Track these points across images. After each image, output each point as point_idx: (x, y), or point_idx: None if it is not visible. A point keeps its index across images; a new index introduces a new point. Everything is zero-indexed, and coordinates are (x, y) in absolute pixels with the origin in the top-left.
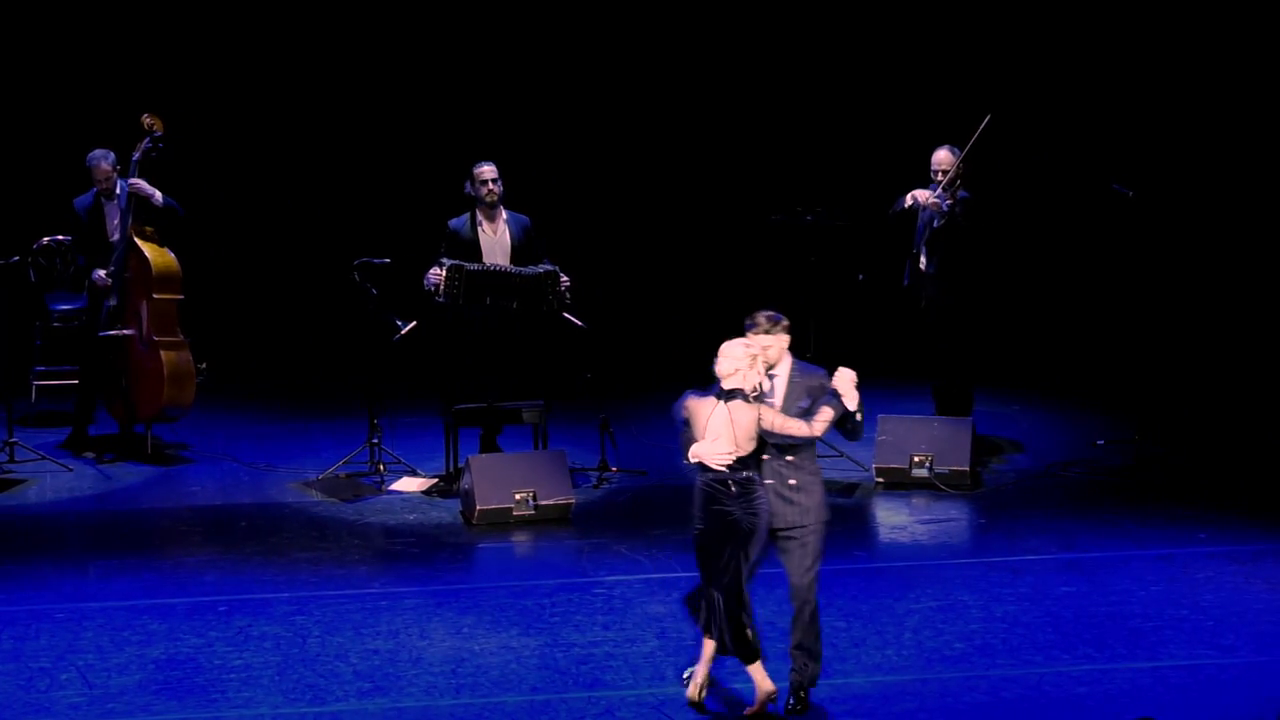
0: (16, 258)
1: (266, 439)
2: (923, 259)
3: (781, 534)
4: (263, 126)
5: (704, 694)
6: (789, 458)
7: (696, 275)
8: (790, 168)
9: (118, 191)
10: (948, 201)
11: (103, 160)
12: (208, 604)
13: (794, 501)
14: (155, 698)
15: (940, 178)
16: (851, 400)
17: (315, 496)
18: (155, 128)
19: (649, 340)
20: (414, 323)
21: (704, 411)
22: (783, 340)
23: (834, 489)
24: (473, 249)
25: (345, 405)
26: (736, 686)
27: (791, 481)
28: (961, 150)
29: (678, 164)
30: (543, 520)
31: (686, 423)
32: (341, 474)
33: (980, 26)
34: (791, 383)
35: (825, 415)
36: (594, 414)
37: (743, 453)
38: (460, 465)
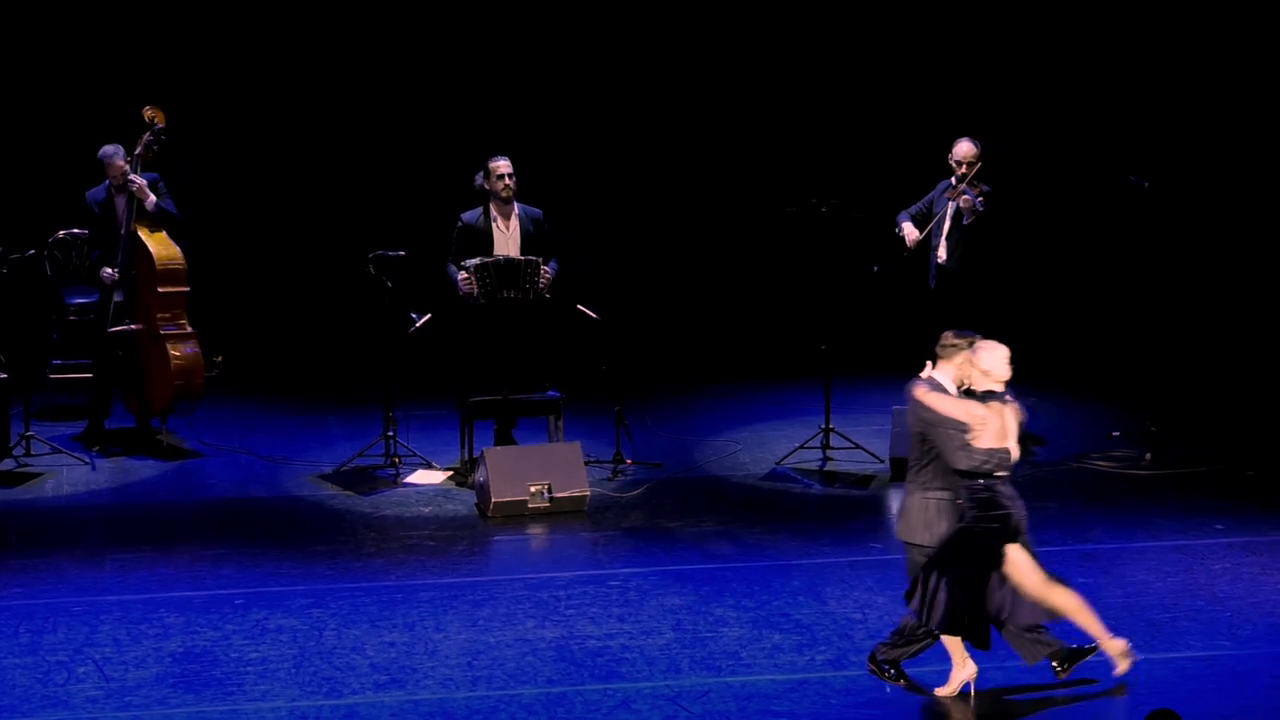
0: (33, 251)
1: (282, 432)
2: (941, 251)
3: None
4: (278, 119)
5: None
6: None
7: (711, 267)
8: (805, 159)
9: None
10: (980, 200)
11: (115, 156)
12: (224, 597)
13: None
14: (172, 691)
15: (965, 170)
16: None
17: (331, 490)
18: (157, 120)
19: (664, 332)
20: (429, 315)
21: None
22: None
23: (849, 481)
24: (485, 242)
25: (361, 398)
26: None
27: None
28: (981, 146)
29: (692, 156)
30: (558, 513)
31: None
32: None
33: (995, 16)
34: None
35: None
36: (609, 406)
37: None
38: (475, 458)
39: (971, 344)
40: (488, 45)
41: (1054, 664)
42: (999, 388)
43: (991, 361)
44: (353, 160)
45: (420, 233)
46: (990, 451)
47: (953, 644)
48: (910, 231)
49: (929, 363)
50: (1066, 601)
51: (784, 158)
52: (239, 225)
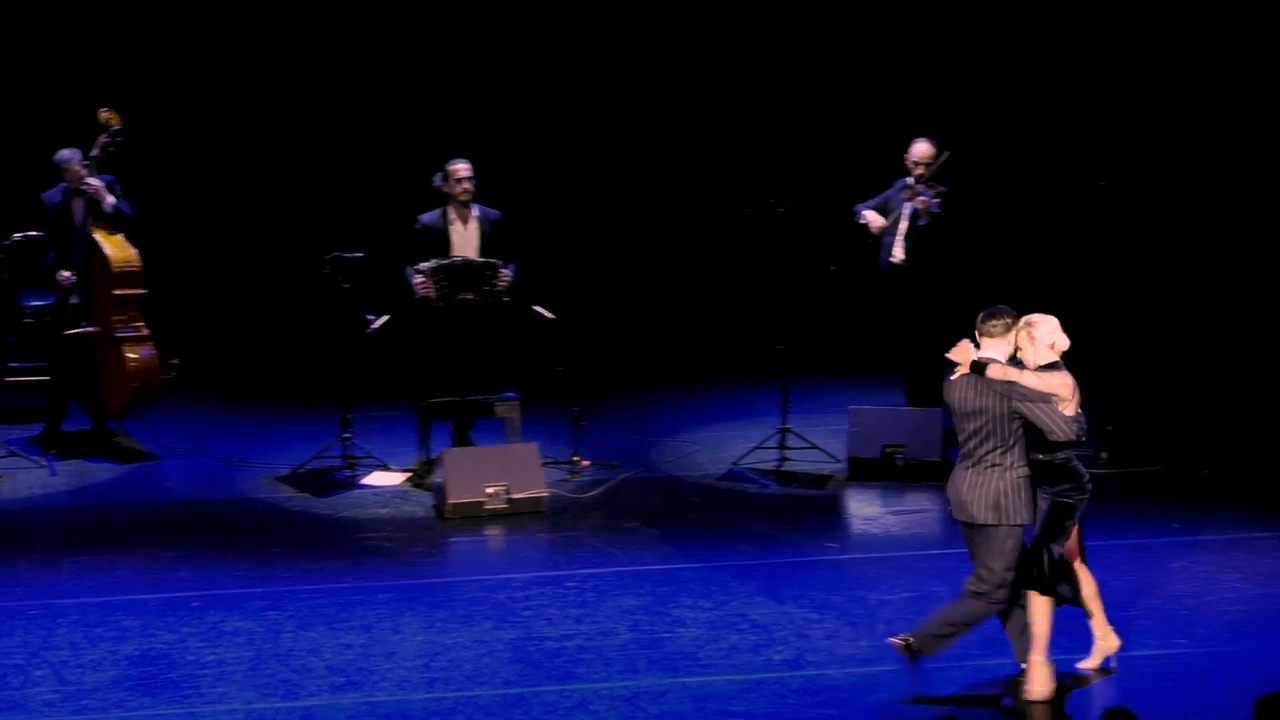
0: None
1: (239, 434)
2: (897, 250)
3: None
4: (235, 121)
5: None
6: None
7: (668, 267)
8: (763, 160)
9: (84, 188)
10: (937, 201)
11: (72, 161)
12: (181, 600)
13: None
14: (129, 694)
15: (923, 171)
16: None
17: (288, 492)
18: (113, 122)
19: (621, 333)
20: (386, 317)
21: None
22: None
23: (806, 481)
24: (443, 244)
25: (318, 400)
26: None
27: None
28: (938, 146)
29: (649, 156)
30: (515, 514)
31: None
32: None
33: (952, 16)
34: None
35: None
36: (567, 407)
37: None
38: (432, 459)
39: (1017, 319)
40: (447, 46)
41: (1023, 667)
42: (1058, 358)
43: (1052, 333)
44: (311, 161)
45: (378, 234)
46: (1078, 418)
47: (1047, 616)
48: (874, 218)
49: (970, 344)
50: (1085, 586)
51: (741, 158)
52: (196, 227)
